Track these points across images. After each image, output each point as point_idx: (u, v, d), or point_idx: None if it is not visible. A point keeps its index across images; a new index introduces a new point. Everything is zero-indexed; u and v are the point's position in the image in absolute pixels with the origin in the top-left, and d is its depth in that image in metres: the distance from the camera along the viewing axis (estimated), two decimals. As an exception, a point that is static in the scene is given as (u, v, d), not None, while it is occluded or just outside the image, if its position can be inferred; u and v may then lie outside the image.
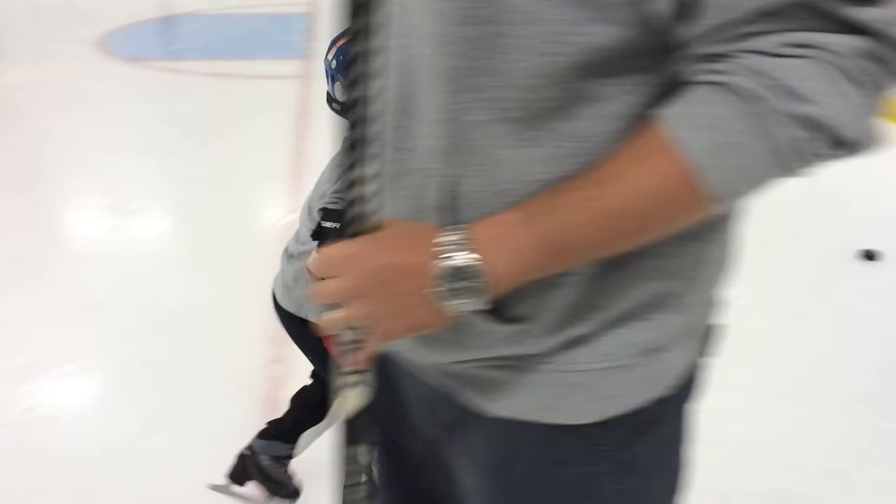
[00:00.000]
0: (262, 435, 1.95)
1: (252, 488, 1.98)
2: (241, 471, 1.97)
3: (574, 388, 0.71)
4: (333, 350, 0.72)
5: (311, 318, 1.73)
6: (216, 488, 2.01)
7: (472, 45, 0.61)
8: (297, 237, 1.79)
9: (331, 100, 1.64)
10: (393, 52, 0.69)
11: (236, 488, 2.00)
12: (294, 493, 1.99)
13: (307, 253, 1.70)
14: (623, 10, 0.58)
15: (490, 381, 0.73)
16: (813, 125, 0.55)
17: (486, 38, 0.60)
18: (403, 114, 0.69)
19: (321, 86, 1.68)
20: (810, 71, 0.54)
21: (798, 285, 2.94)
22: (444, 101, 0.64)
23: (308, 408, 1.95)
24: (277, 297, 1.82)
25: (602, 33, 0.59)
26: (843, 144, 0.57)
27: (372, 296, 0.63)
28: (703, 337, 0.78)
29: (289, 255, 1.79)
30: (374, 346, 0.68)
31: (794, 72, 0.55)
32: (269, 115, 4.88)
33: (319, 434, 1.97)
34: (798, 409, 2.31)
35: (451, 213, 0.67)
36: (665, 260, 0.68)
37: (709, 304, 0.77)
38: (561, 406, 0.72)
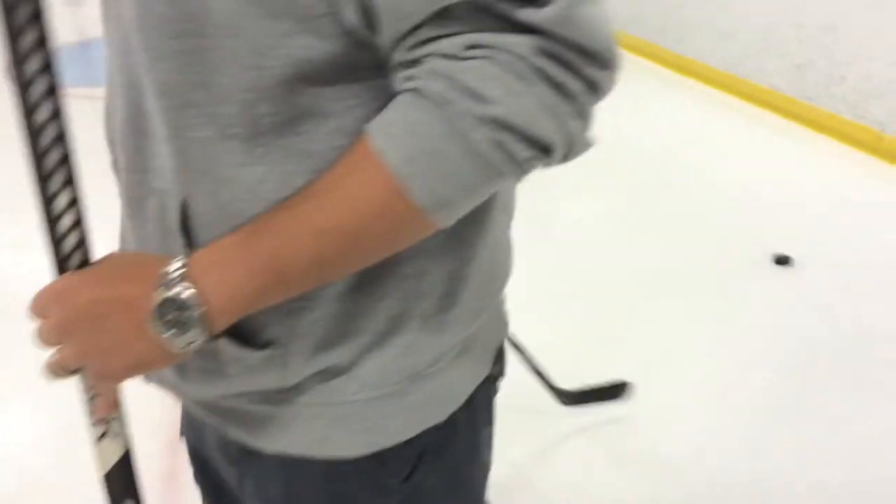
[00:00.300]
0: None
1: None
2: None
3: (340, 421, 0.67)
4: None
5: None
6: None
7: (183, 59, 0.57)
8: None
9: None
10: (121, 72, 0.65)
11: None
12: None
13: None
14: (324, 23, 0.55)
15: (258, 417, 0.69)
16: (502, 126, 0.53)
17: (195, 52, 0.57)
18: (137, 134, 0.65)
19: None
20: (491, 71, 0.52)
21: (712, 293, 2.89)
22: (168, 117, 0.60)
23: None
24: None
25: (307, 46, 0.56)
26: (544, 147, 0.54)
27: (81, 332, 0.58)
28: (485, 356, 0.75)
29: None
30: (107, 390, 0.63)
31: (475, 73, 0.52)
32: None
33: None
34: (715, 419, 2.23)
35: (189, 236, 0.63)
36: (410, 280, 0.64)
37: (482, 322, 0.73)
38: (329, 440, 0.67)
